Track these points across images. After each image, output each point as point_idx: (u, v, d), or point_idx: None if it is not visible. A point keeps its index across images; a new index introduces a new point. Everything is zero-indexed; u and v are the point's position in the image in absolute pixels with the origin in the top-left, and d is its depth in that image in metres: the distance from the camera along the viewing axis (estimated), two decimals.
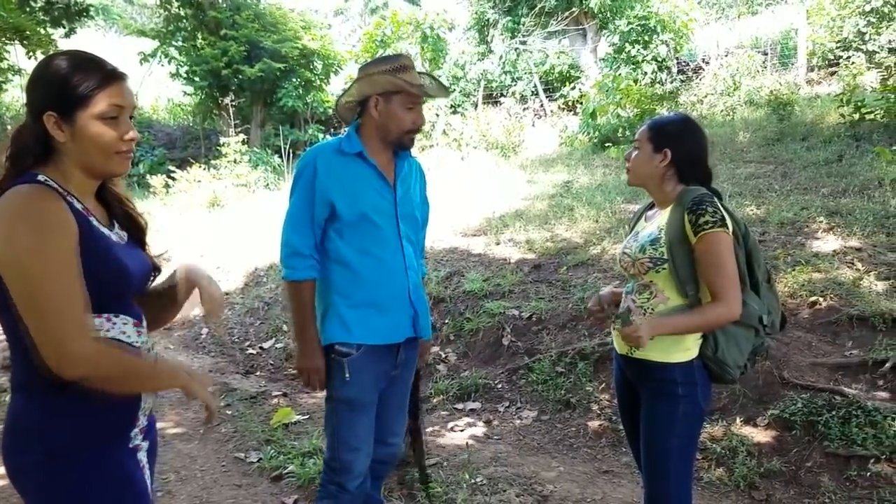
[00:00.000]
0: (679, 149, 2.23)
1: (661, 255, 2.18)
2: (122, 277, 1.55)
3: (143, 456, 1.63)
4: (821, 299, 4.61)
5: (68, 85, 1.49)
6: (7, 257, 1.39)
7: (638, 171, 2.30)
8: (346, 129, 2.54)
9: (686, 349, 2.19)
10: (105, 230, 1.56)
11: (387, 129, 2.43)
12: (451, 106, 14.72)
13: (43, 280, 1.38)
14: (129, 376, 1.53)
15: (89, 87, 1.49)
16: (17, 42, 10.49)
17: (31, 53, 10.27)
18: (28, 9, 11.48)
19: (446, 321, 5.71)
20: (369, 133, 2.45)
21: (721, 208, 2.13)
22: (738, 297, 2.09)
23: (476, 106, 15.00)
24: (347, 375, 2.40)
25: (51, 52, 1.71)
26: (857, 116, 8.68)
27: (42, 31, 10.68)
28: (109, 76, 1.52)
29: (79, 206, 1.50)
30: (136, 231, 1.70)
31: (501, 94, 15.63)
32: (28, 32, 10.01)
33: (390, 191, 2.49)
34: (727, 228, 2.10)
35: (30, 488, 1.50)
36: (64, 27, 13.12)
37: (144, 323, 1.64)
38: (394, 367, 2.54)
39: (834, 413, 3.66)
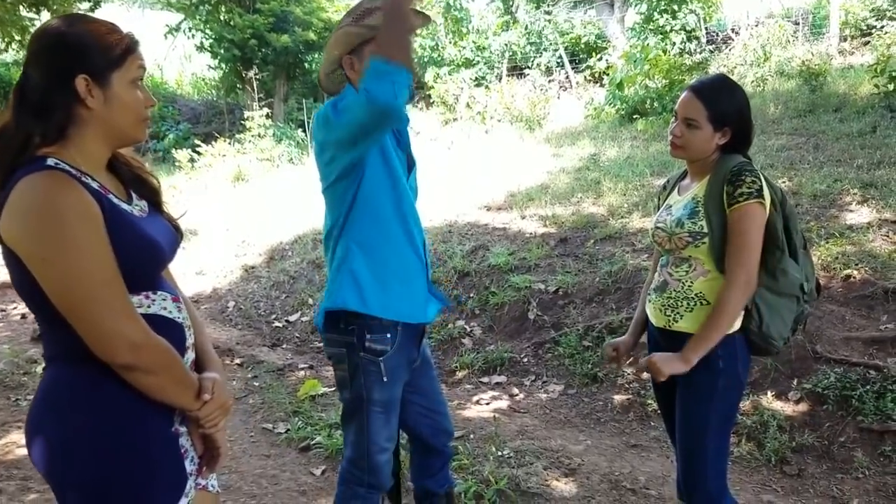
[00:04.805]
0: (739, 126, 2.16)
1: (701, 228, 2.11)
2: (152, 253, 1.48)
3: (185, 441, 1.53)
4: (855, 272, 4.51)
5: (104, 46, 1.41)
6: (35, 256, 1.32)
7: (694, 149, 2.17)
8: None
9: None
10: (125, 206, 1.47)
11: None
12: (475, 78, 14.56)
13: (80, 275, 1.31)
14: (172, 374, 1.44)
15: (121, 48, 1.43)
16: (42, 12, 10.42)
17: None
18: None
19: (471, 295, 5.69)
20: None
21: (760, 178, 2.07)
22: (754, 272, 2.04)
23: (500, 78, 14.83)
24: (385, 377, 2.20)
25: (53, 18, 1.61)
26: (891, 87, 8.43)
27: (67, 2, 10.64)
28: (134, 39, 1.47)
29: (95, 185, 1.40)
30: (151, 194, 1.60)
31: (526, 66, 15.41)
32: (51, 2, 9.95)
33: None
34: (763, 199, 2.04)
35: (60, 460, 1.40)
36: (89, 0, 13.12)
37: (182, 300, 1.58)
38: (416, 356, 2.34)
39: (868, 387, 3.60)
